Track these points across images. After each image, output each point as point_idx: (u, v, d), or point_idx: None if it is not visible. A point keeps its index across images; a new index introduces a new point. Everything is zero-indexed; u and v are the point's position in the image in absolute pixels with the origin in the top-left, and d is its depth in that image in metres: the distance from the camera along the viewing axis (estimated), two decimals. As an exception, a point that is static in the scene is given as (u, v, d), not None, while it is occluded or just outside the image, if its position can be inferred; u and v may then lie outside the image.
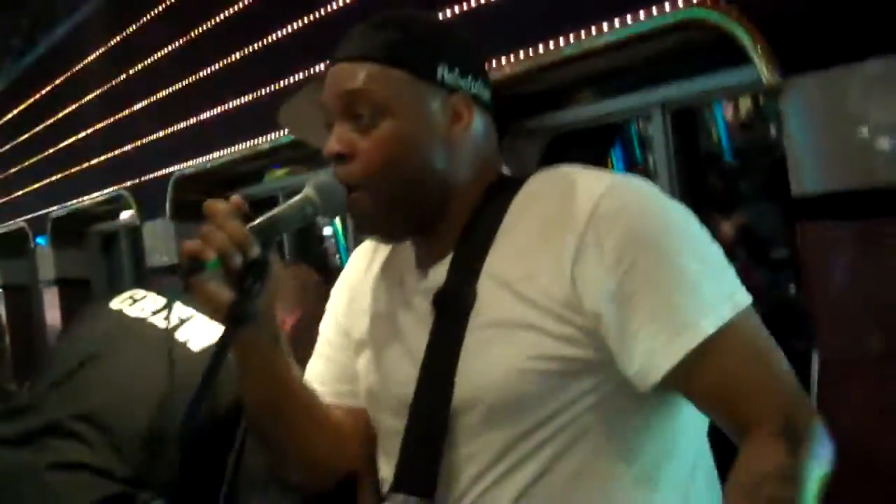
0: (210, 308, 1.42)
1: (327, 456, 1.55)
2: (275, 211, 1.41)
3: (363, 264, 1.60)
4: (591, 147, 4.50)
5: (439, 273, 1.43)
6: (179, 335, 2.10)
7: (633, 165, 5.07)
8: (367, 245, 1.61)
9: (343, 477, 1.58)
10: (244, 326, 1.37)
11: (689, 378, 1.29)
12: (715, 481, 1.44)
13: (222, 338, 1.36)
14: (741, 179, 5.37)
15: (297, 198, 1.42)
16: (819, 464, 1.27)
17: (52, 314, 7.84)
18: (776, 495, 1.22)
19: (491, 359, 1.33)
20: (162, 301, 2.19)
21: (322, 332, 1.66)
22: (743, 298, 1.32)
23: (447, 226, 1.43)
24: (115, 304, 2.31)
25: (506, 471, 1.35)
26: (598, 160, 4.80)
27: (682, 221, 1.35)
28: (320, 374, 1.62)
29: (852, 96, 2.31)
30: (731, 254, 4.15)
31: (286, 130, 2.70)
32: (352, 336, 1.57)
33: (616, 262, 1.28)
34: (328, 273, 3.97)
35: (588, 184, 1.35)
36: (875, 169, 2.28)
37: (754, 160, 5.15)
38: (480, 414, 1.34)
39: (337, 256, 6.15)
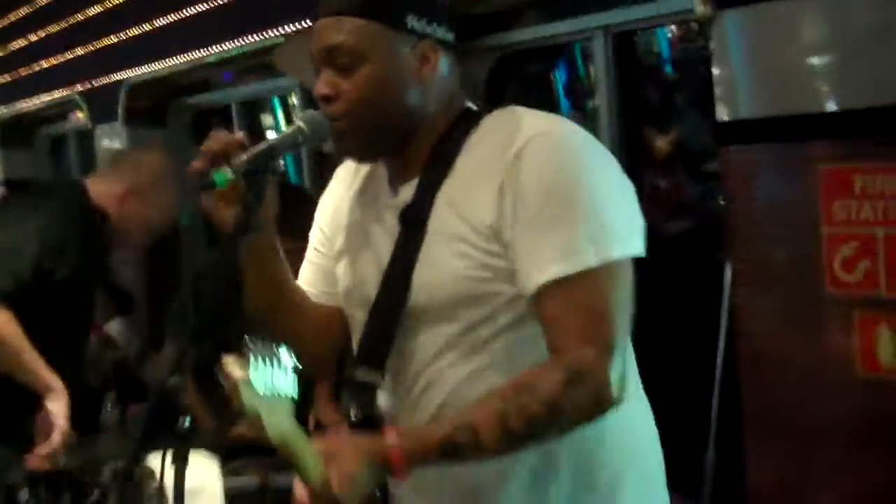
0: (218, 221, 1.64)
1: (313, 343, 1.82)
2: (271, 139, 1.64)
3: (345, 182, 1.84)
4: (535, 64, 4.68)
5: (407, 192, 1.67)
6: None
7: (576, 80, 5.25)
8: (350, 164, 1.82)
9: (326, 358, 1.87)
10: (248, 236, 1.61)
11: (544, 295, 1.52)
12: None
13: (230, 245, 1.59)
14: (679, 91, 5.53)
15: (289, 128, 1.64)
16: (578, 411, 1.50)
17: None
18: (528, 408, 1.47)
19: (439, 265, 1.59)
20: None
21: (310, 241, 1.92)
22: (614, 253, 1.52)
23: (416, 151, 1.66)
24: None
25: (456, 359, 1.61)
26: (543, 77, 4.98)
27: (592, 175, 1.56)
28: (309, 277, 1.88)
29: (773, 32, 2.52)
30: (666, 167, 4.36)
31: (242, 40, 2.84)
32: (334, 245, 1.83)
33: (521, 197, 1.53)
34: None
35: (524, 129, 1.58)
36: (790, 98, 2.51)
37: (693, 71, 5.31)
38: (432, 309, 1.61)
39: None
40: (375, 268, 1.68)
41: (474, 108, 1.72)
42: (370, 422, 1.63)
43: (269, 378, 1.45)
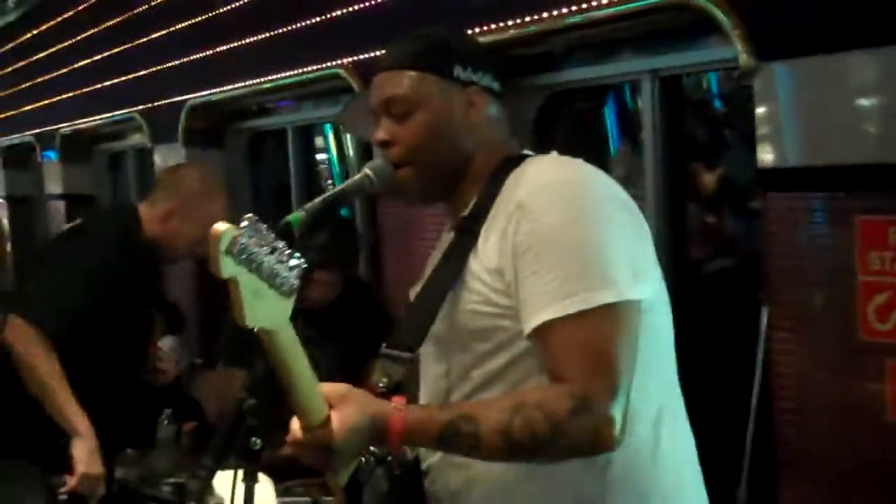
0: None
1: None
2: (341, 185, 1.78)
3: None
4: (585, 102, 4.77)
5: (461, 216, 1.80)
6: None
7: (627, 114, 5.32)
8: None
9: None
10: None
11: (542, 338, 1.59)
12: None
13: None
14: (727, 127, 5.56)
15: (357, 175, 1.78)
16: (578, 440, 1.53)
17: (57, 227, 8.13)
18: (533, 422, 1.51)
19: (458, 301, 1.71)
20: None
21: None
22: (614, 296, 1.56)
23: (467, 191, 1.79)
24: None
25: (471, 389, 1.71)
26: (593, 114, 5.07)
27: (588, 223, 1.61)
28: None
29: (814, 85, 2.61)
30: (713, 203, 4.39)
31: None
32: None
33: (518, 245, 1.63)
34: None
35: (532, 178, 1.68)
36: (829, 149, 2.59)
37: (742, 108, 5.33)
38: (450, 338, 1.73)
39: (330, 182, 6.40)
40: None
41: (527, 153, 1.82)
42: (398, 390, 1.70)
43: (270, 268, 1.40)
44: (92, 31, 7.12)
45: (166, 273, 3.70)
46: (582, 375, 1.54)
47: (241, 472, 1.60)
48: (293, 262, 1.44)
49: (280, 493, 2.74)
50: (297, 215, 1.66)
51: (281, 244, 1.44)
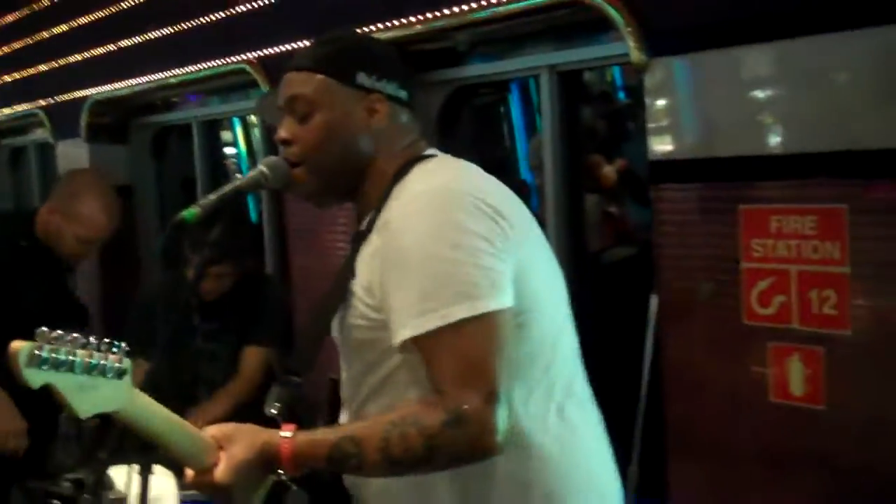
0: None
1: None
2: (236, 182, 1.81)
3: None
4: (487, 96, 4.87)
5: (362, 225, 1.81)
6: None
7: (530, 107, 5.40)
8: None
9: None
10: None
11: (416, 349, 1.62)
12: None
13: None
14: (631, 119, 5.66)
15: (253, 171, 1.82)
16: (453, 452, 1.57)
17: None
18: (408, 438, 1.55)
19: (344, 315, 1.76)
20: None
21: None
22: (469, 311, 1.57)
23: (369, 194, 1.82)
24: None
25: (366, 397, 1.77)
26: (494, 107, 5.17)
27: (435, 242, 1.62)
28: None
29: (702, 80, 2.73)
30: (615, 194, 4.47)
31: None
32: None
33: (386, 262, 1.67)
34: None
35: (407, 189, 1.73)
36: (715, 142, 2.71)
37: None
38: (343, 349, 1.81)
39: (238, 175, 6.37)
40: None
41: (430, 153, 1.84)
42: (289, 415, 1.76)
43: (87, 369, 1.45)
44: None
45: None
46: (454, 387, 1.56)
47: (136, 466, 1.63)
48: (114, 348, 1.50)
49: (183, 486, 2.75)
50: (191, 211, 1.71)
51: (92, 338, 1.49)
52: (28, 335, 3.14)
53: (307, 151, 1.80)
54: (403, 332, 1.61)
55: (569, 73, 3.49)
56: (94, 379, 1.46)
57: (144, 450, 1.63)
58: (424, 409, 1.58)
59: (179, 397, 3.44)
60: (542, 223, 1.88)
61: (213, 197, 1.74)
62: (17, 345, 1.43)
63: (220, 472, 1.59)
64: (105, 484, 2.12)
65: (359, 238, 1.78)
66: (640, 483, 2.91)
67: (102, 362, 1.48)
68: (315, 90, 1.79)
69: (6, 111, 6.93)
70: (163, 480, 2.46)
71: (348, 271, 1.76)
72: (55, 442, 3.45)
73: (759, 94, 2.63)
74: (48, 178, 6.68)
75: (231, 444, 1.61)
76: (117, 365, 1.49)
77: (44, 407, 3.16)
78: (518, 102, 5.56)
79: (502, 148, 5.58)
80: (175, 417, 1.61)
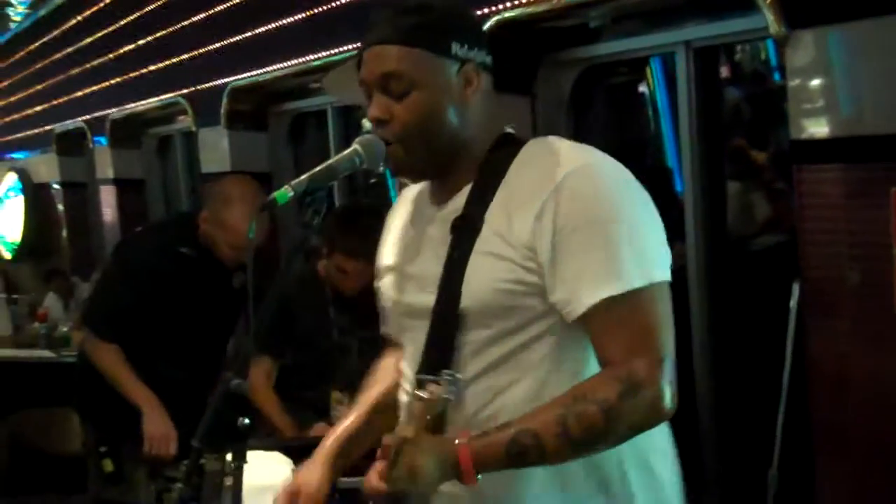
0: None
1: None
2: (330, 161, 1.73)
3: (400, 209, 1.96)
4: (622, 76, 4.70)
5: (457, 203, 1.77)
6: None
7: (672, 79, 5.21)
8: (404, 194, 1.96)
9: None
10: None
11: (593, 316, 1.61)
12: None
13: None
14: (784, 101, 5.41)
15: (347, 151, 1.74)
16: (634, 419, 1.58)
17: (109, 212, 8.23)
18: (586, 415, 1.56)
19: (481, 274, 1.68)
20: None
21: None
22: (656, 277, 1.62)
23: (462, 167, 1.76)
24: None
25: (486, 367, 1.69)
26: (630, 88, 4.99)
27: (628, 205, 1.65)
28: None
29: (847, 53, 2.52)
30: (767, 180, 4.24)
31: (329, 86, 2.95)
32: (380, 265, 1.94)
33: (562, 225, 1.63)
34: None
35: (563, 161, 1.68)
36: (863, 119, 2.51)
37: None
38: (473, 315, 1.70)
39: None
40: (427, 276, 1.76)
41: (513, 132, 1.82)
42: (439, 424, 1.69)
43: None
44: (136, 15, 7.16)
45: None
46: (628, 355, 1.58)
47: (229, 454, 1.58)
48: None
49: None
50: (283, 192, 1.64)
51: None
52: (190, 341, 3.36)
53: (406, 130, 1.71)
54: (599, 292, 1.59)
55: (706, 49, 3.32)
56: None
57: (237, 437, 1.58)
58: (595, 385, 1.59)
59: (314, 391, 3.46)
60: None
61: (305, 178, 1.67)
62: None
63: (399, 479, 1.59)
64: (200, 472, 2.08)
65: (472, 210, 1.72)
66: (779, 488, 2.75)
67: None
68: (413, 66, 1.70)
69: (153, 100, 7.08)
70: (280, 465, 2.43)
71: (463, 245, 1.70)
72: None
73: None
74: (193, 166, 6.81)
75: (405, 453, 1.59)
76: None
77: (196, 396, 3.33)
78: (662, 80, 5.37)
79: (643, 131, 5.40)
80: None
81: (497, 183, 1.72)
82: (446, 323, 1.72)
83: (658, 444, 1.75)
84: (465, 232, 1.71)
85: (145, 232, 4.08)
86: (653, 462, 1.73)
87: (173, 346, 3.51)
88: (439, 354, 1.72)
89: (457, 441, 1.60)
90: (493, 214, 1.70)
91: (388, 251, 1.91)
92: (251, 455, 1.69)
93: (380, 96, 1.73)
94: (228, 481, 1.64)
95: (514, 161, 1.73)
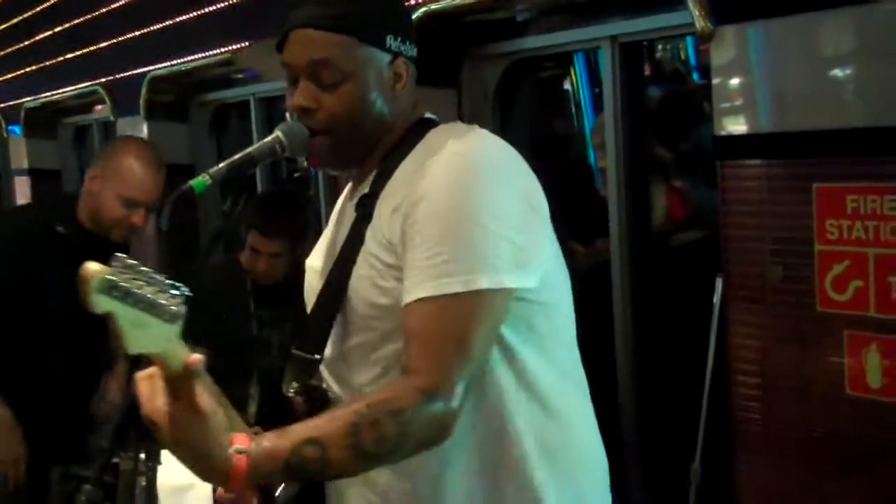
0: None
1: None
2: (250, 148, 1.66)
3: (337, 205, 1.88)
4: (548, 70, 4.69)
5: (365, 187, 1.69)
6: None
7: (598, 84, 5.22)
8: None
9: None
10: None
11: (410, 313, 1.51)
12: None
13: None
14: (706, 99, 5.46)
15: (268, 139, 1.66)
16: (422, 436, 1.46)
17: (23, 202, 8.03)
18: (379, 425, 1.42)
19: (360, 273, 1.62)
20: None
21: None
22: (482, 283, 1.49)
23: (376, 154, 1.70)
24: None
25: (380, 372, 1.62)
26: (555, 82, 4.99)
27: (483, 204, 1.53)
28: None
29: (772, 49, 2.54)
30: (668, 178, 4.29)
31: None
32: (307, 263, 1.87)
33: (412, 217, 1.54)
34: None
35: (441, 149, 1.58)
36: (787, 115, 2.53)
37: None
38: (356, 316, 1.63)
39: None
40: (329, 260, 1.71)
41: (433, 118, 1.75)
42: (308, 393, 1.65)
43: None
44: (54, 1, 7.00)
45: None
46: (431, 363, 1.47)
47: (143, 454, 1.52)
48: (173, 290, 1.41)
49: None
50: (200, 180, 1.57)
51: (159, 277, 1.40)
52: (48, 330, 3.07)
53: (335, 121, 1.64)
54: (418, 291, 1.49)
55: (631, 44, 3.32)
56: (150, 318, 1.38)
57: (150, 437, 1.51)
58: (394, 394, 1.46)
59: (233, 386, 3.39)
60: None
61: (223, 165, 1.59)
62: (93, 269, 1.34)
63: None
64: (114, 472, 2.02)
65: (368, 201, 1.64)
66: (702, 482, 2.76)
67: (163, 302, 1.39)
68: (346, 56, 1.62)
69: (69, 89, 6.92)
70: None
71: (356, 237, 1.62)
72: (91, 427, 3.38)
73: (835, 63, 2.44)
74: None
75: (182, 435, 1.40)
76: (173, 308, 1.39)
77: (79, 391, 3.16)
78: (585, 77, 5.38)
79: (566, 126, 5.41)
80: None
81: (394, 168, 1.65)
82: (326, 311, 1.65)
83: (585, 457, 1.69)
84: (355, 236, 1.65)
85: (10, 211, 3.60)
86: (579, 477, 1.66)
87: (42, 342, 3.08)
88: (312, 339, 1.65)
89: (233, 447, 1.41)
90: (380, 206, 1.63)
91: (315, 249, 1.85)
92: (166, 455, 1.64)
93: (307, 83, 1.65)
94: (143, 482, 1.58)
95: (415, 148, 1.66)
